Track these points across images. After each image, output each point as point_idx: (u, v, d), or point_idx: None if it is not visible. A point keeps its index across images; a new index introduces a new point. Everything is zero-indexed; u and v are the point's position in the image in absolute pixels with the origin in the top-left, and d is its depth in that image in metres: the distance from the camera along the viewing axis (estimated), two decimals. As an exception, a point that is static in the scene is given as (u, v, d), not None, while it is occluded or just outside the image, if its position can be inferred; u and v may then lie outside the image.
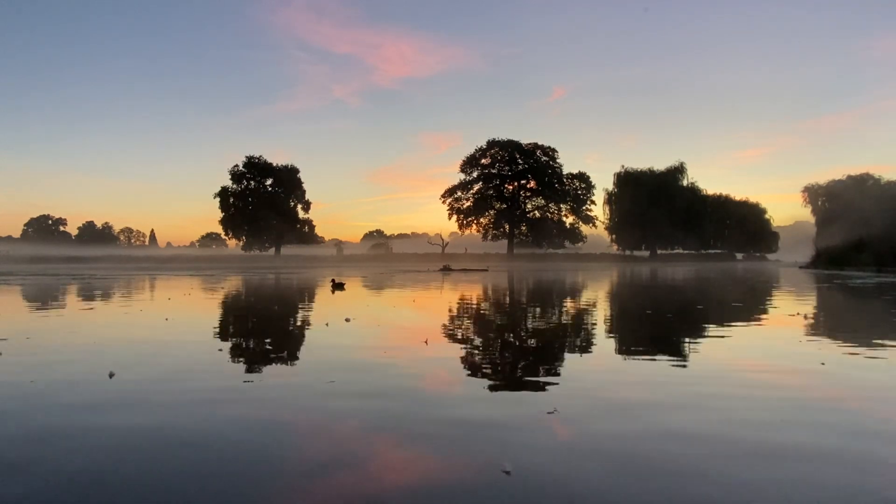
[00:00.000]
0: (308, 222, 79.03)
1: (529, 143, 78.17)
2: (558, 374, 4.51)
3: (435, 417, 3.23)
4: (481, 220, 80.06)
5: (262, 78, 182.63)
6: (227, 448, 2.72)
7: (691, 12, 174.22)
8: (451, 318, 9.01)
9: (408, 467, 2.50)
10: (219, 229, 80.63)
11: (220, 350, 5.62)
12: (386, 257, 75.37)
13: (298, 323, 8.43)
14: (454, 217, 79.85)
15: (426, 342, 5.96)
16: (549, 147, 78.50)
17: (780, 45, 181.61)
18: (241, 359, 5.25)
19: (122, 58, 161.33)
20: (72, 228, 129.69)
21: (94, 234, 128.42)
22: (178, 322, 8.08)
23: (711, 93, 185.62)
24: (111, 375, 4.18)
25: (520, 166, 77.71)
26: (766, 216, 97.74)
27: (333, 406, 3.47)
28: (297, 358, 5.31)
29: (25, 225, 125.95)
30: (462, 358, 5.22)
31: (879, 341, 6.43)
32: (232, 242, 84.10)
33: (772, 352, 5.70)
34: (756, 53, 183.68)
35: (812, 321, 8.98)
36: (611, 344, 6.41)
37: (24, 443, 2.78)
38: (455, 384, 4.17)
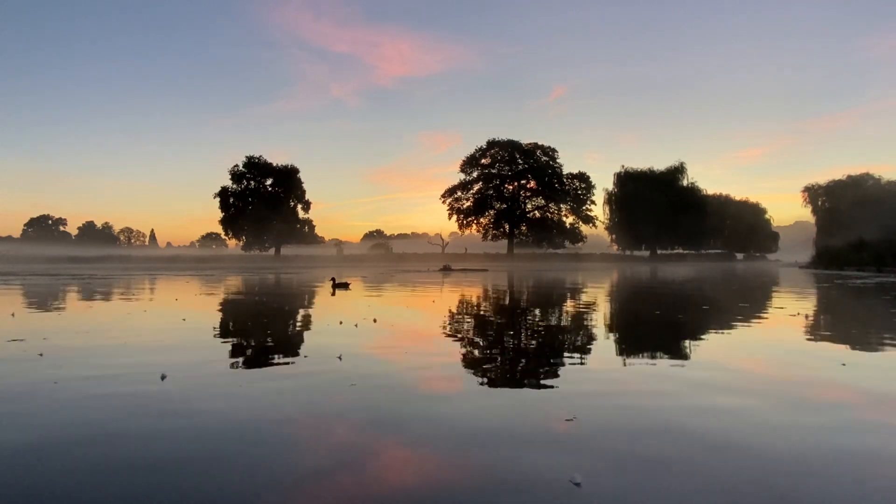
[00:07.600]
0: (308, 222, 79.09)
1: (529, 143, 78.39)
2: (573, 380, 4.44)
3: (459, 424, 3.22)
4: (481, 220, 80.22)
5: (261, 77, 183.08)
6: (267, 451, 2.86)
7: (691, 12, 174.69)
8: (471, 322, 9.13)
9: (439, 477, 2.50)
10: (219, 229, 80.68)
11: (243, 351, 5.76)
12: (386, 257, 75.43)
13: (322, 323, 8.49)
14: (454, 217, 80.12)
15: (460, 343, 6.15)
16: (549, 147, 78.79)
17: (781, 45, 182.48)
18: (263, 360, 5.34)
19: (121, 57, 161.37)
20: (72, 228, 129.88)
21: (94, 234, 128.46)
22: (195, 323, 8.20)
23: (711, 93, 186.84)
24: (163, 377, 4.31)
25: (520, 166, 77.87)
26: (766, 216, 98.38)
27: (351, 409, 3.54)
28: (316, 359, 5.37)
29: (25, 225, 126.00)
30: (478, 361, 5.36)
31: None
32: (232, 242, 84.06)
33: (791, 353, 5.85)
34: (756, 53, 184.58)
35: (820, 322, 9.14)
36: (624, 347, 6.39)
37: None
38: (473, 388, 4.22)
